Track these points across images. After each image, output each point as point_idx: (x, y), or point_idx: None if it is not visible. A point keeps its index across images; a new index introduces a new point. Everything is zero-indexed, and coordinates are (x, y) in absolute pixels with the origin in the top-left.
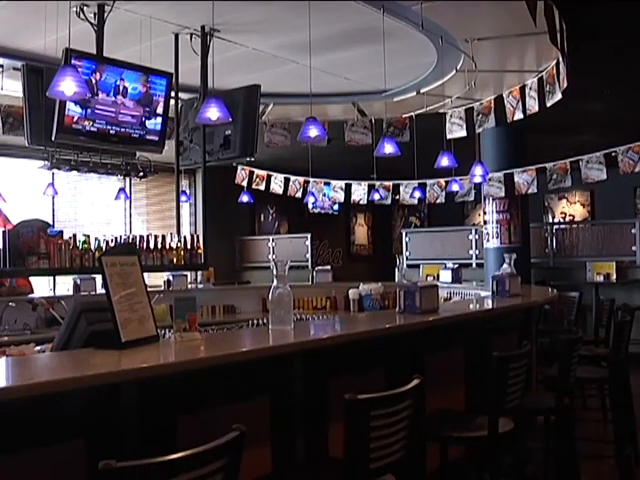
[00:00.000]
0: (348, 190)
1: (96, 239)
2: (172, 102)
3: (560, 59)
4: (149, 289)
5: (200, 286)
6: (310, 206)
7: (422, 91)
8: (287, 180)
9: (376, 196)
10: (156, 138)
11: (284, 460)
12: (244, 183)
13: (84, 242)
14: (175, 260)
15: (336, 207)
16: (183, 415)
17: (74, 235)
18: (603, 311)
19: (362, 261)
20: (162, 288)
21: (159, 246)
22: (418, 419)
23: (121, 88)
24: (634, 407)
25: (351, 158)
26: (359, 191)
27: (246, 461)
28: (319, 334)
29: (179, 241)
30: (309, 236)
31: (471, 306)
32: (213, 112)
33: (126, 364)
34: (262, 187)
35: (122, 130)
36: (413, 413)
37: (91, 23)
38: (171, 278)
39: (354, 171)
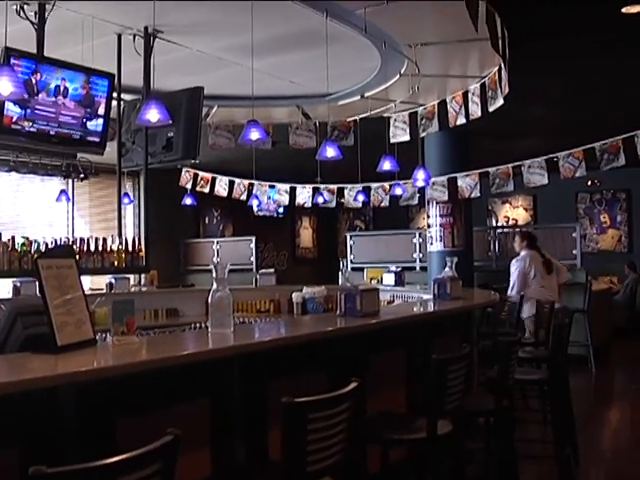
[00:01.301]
0: (293, 193)
1: (36, 241)
2: (114, 103)
3: (502, 65)
4: (91, 292)
5: (143, 289)
6: (255, 209)
7: (366, 95)
8: (232, 183)
9: (320, 199)
10: (97, 139)
11: (223, 463)
12: (188, 185)
13: (23, 244)
14: (116, 263)
15: (281, 210)
16: (122, 419)
17: (12, 237)
18: (543, 314)
19: (307, 264)
20: (104, 291)
21: (100, 249)
22: (358, 421)
23: (62, 88)
24: (573, 408)
25: (296, 161)
26: (304, 194)
27: (185, 464)
28: (258, 337)
29: (120, 244)
30: (254, 239)
31: (412, 309)
32: (153, 114)
33: (62, 368)
34: (206, 190)
35: (63, 131)
36: (352, 415)
37: (32, 22)
38: (113, 281)
39: (299, 174)
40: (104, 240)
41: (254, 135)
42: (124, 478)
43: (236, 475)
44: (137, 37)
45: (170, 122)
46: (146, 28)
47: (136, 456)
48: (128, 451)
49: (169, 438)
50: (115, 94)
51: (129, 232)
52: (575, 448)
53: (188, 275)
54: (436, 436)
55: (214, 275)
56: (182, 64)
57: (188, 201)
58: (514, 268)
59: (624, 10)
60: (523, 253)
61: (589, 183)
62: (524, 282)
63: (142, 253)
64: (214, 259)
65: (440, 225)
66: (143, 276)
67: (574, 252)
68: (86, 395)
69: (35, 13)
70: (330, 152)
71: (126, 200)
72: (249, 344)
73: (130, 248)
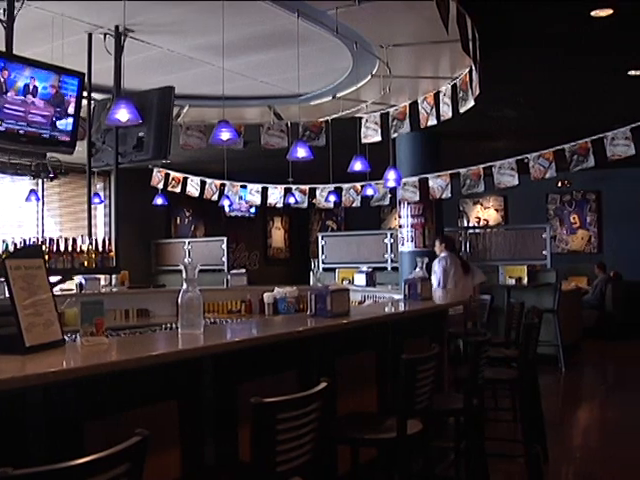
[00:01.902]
0: (264, 193)
1: (4, 242)
2: (84, 102)
3: (473, 67)
4: (62, 293)
5: (114, 289)
6: (227, 209)
7: (338, 95)
8: (203, 183)
9: (292, 200)
10: (67, 139)
11: (193, 464)
12: (160, 185)
13: None
14: (86, 263)
15: (253, 210)
16: (90, 420)
17: None
18: (514, 314)
19: (279, 264)
20: (74, 291)
21: (69, 249)
22: (328, 421)
23: (31, 87)
24: (543, 407)
25: (268, 161)
26: (275, 194)
27: (155, 465)
28: (228, 338)
29: (90, 244)
30: (225, 239)
31: (383, 309)
32: (123, 113)
33: (30, 369)
34: (178, 190)
35: (32, 130)
36: (321, 416)
37: (0, 20)
38: (83, 281)
39: (271, 174)
40: (74, 240)
41: (225, 135)
42: (92, 479)
43: (206, 476)
44: (108, 36)
45: (140, 121)
46: (117, 27)
47: (104, 457)
48: (96, 452)
49: (137, 439)
50: (85, 93)
51: (100, 232)
52: (544, 447)
53: (159, 275)
54: (406, 436)
55: (184, 275)
56: (153, 63)
57: (159, 201)
58: (437, 267)
59: (593, 14)
60: (443, 254)
61: (559, 184)
62: (447, 279)
63: (112, 253)
64: (185, 259)
65: (411, 225)
66: (114, 276)
67: (544, 253)
68: (54, 396)
69: (4, 11)
70: (301, 152)
71: (96, 200)
72: (219, 345)
73: (100, 248)
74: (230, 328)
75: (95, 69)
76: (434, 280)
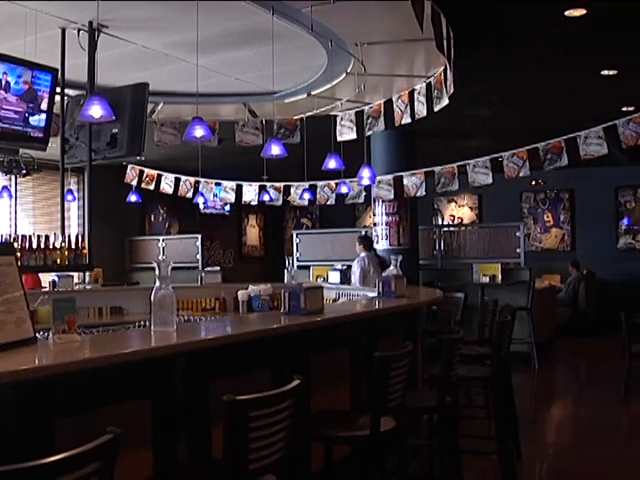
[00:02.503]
0: (239, 191)
1: None
2: (58, 98)
3: (447, 65)
4: (34, 290)
5: (88, 287)
6: (201, 206)
7: (313, 93)
8: (178, 180)
9: (266, 197)
10: (40, 135)
11: (166, 462)
12: (134, 182)
13: None
14: (59, 260)
15: (228, 208)
16: (62, 418)
17: None
18: (487, 312)
19: (254, 262)
20: (47, 289)
21: (42, 246)
22: (301, 419)
23: (3, 82)
24: (516, 404)
25: (242, 159)
26: (250, 192)
27: (127, 463)
28: (201, 335)
29: (63, 241)
30: (200, 237)
31: (356, 307)
32: (96, 110)
33: (1, 367)
34: (152, 187)
35: (4, 126)
36: (294, 413)
37: None
38: (56, 279)
39: (246, 172)
40: (47, 237)
41: (198, 132)
42: (62, 478)
43: (179, 474)
44: (81, 32)
45: (113, 118)
46: (90, 23)
47: (74, 455)
48: (67, 451)
49: (108, 437)
50: (59, 89)
51: (73, 229)
52: (517, 444)
53: (133, 273)
54: (379, 433)
55: (157, 273)
56: (128, 60)
57: (133, 198)
58: (356, 267)
59: (567, 13)
60: (363, 254)
61: (533, 183)
62: (364, 278)
63: (86, 251)
64: (158, 257)
65: (386, 223)
66: (87, 274)
67: (518, 251)
68: (25, 394)
69: None
70: (275, 150)
71: (70, 197)
72: (191, 342)
73: (74, 246)
74: (203, 326)
75: (69, 65)
76: (353, 279)
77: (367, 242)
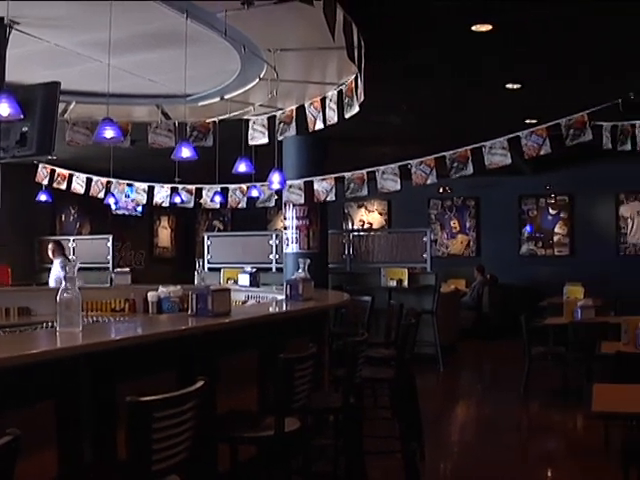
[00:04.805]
0: (151, 192)
1: None
2: None
3: (358, 74)
4: None
5: None
6: (113, 207)
7: (226, 97)
8: (89, 180)
9: (177, 199)
10: None
11: (71, 463)
12: (45, 182)
13: None
14: None
15: (140, 209)
16: None
17: None
18: (393, 315)
19: (165, 263)
20: None
21: None
22: (206, 420)
23: None
24: (421, 405)
25: (155, 160)
26: (162, 193)
27: (31, 464)
28: (107, 336)
29: None
30: (111, 237)
31: (264, 309)
32: (3, 108)
33: None
34: (63, 186)
35: None
36: (199, 414)
37: None
38: None
39: (158, 173)
40: None
41: (109, 133)
42: None
43: (83, 475)
44: None
45: (21, 117)
46: (1, 19)
47: None
48: None
49: (8, 439)
50: None
51: None
52: (421, 444)
53: (43, 273)
54: (283, 433)
55: (63, 273)
56: (39, 57)
57: (43, 197)
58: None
59: (474, 28)
60: (59, 260)
61: (441, 190)
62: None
63: None
64: (72, 257)
65: (296, 227)
66: None
67: (424, 256)
68: None
69: None
70: (185, 152)
71: None
72: (97, 343)
73: None
74: (110, 327)
75: None
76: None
77: (60, 248)
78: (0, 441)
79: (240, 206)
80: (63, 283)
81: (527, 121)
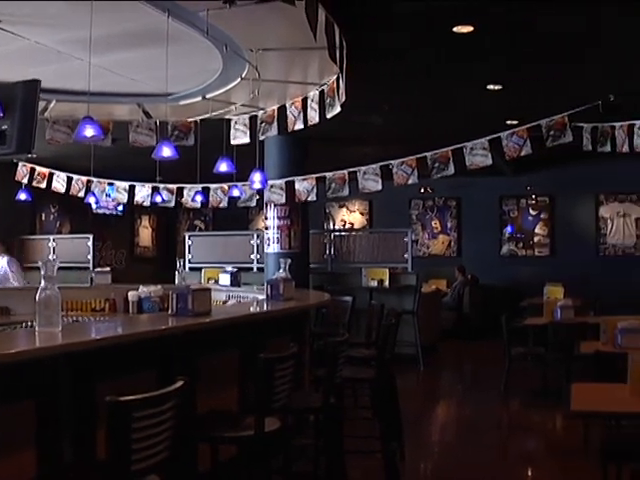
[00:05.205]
0: (132, 191)
1: None
2: None
3: (339, 74)
4: None
5: None
6: (93, 206)
7: (207, 96)
8: (70, 179)
9: (158, 198)
10: None
11: (50, 464)
12: (25, 180)
13: None
14: None
15: (121, 208)
16: None
17: None
18: (374, 315)
19: (146, 263)
20: None
21: None
22: (186, 420)
23: None
24: (402, 405)
25: (136, 159)
26: (143, 193)
27: (10, 465)
28: (87, 336)
29: None
30: (91, 237)
31: (244, 309)
32: None
33: None
34: (43, 185)
35: None
36: (178, 414)
37: None
38: None
39: (139, 172)
40: None
41: (89, 132)
42: None
43: (62, 475)
44: None
45: (1, 115)
46: None
47: None
48: None
49: None
50: None
51: None
52: (401, 443)
53: (25, 273)
54: (263, 433)
55: (42, 273)
56: (20, 55)
57: (22, 196)
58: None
59: (455, 29)
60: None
61: (422, 190)
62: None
63: None
64: (48, 256)
65: (278, 227)
66: None
67: (405, 256)
68: None
69: None
70: (166, 152)
71: None
72: (76, 343)
73: None
74: (90, 326)
75: None
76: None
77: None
78: None
79: (221, 206)
80: (42, 282)
81: (508, 122)
